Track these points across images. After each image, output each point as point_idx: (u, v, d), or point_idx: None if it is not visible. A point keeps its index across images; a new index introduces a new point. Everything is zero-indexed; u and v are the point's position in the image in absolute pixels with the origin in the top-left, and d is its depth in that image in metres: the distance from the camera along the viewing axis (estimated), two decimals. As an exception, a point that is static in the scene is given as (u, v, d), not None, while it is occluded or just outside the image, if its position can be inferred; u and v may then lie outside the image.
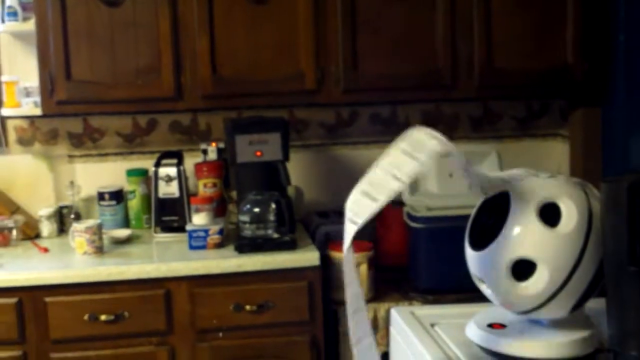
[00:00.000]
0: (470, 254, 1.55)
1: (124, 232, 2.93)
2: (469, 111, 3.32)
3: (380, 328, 2.67)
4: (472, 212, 1.60)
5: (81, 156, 3.18)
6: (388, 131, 3.28)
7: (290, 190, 2.96)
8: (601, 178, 1.40)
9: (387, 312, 2.33)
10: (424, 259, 2.67)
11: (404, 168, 1.33)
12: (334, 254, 2.78)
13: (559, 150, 3.34)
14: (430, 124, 3.26)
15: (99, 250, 2.71)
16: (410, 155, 1.34)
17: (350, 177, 3.27)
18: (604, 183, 1.38)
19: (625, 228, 1.32)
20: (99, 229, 2.72)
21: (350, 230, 1.34)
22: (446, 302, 2.42)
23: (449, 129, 3.31)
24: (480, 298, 1.60)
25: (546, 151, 3.35)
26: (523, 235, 1.45)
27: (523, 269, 1.45)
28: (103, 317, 2.56)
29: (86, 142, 3.17)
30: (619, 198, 1.33)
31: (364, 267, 2.70)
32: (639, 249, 1.31)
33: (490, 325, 1.57)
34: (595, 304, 1.50)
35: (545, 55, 2.94)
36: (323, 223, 3.03)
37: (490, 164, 2.97)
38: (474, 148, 3.24)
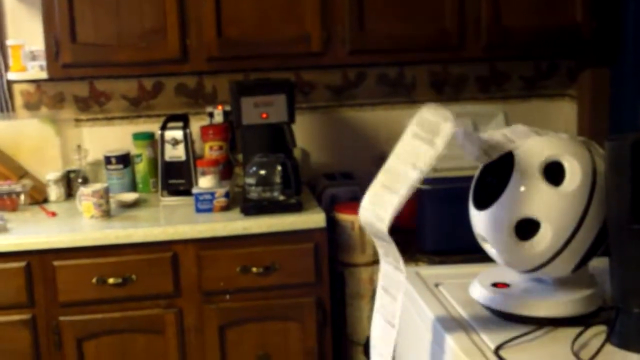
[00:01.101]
0: (474, 213, 1.55)
1: (130, 196, 2.94)
2: (476, 72, 3.29)
3: (387, 289, 2.67)
4: (477, 172, 1.59)
5: (88, 120, 3.17)
6: (395, 92, 3.26)
7: (297, 152, 2.95)
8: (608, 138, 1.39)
9: (393, 273, 2.33)
10: (430, 221, 2.67)
11: (422, 156, 1.31)
12: (340, 216, 2.78)
13: (566, 111, 3.31)
14: (437, 85, 3.30)
15: (106, 213, 2.72)
16: (425, 140, 1.31)
17: (357, 138, 3.32)
18: (608, 141, 1.36)
19: (629, 186, 1.31)
20: (105, 193, 2.72)
21: (381, 227, 1.32)
22: (452, 262, 2.42)
23: (456, 90, 3.30)
24: (487, 259, 1.59)
25: (554, 111, 3.33)
26: (527, 194, 1.44)
27: (527, 228, 1.44)
28: (111, 280, 2.58)
29: (92, 106, 3.17)
30: (623, 156, 1.32)
31: (370, 229, 2.69)
32: (642, 207, 1.31)
33: (494, 285, 1.56)
34: (599, 263, 1.50)
35: (553, 14, 2.90)
36: (329, 185, 3.03)
37: (498, 125, 2.94)
38: (481, 109, 3.22)
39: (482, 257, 1.61)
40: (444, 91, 3.29)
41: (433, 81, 3.28)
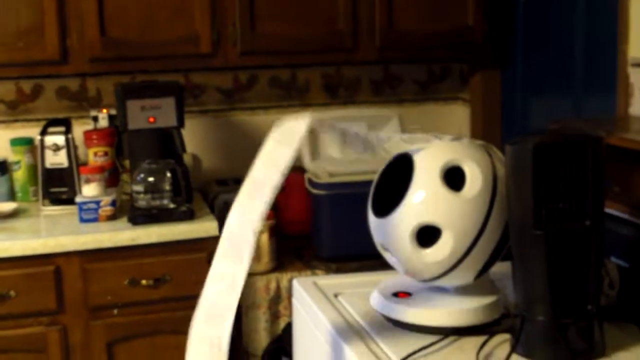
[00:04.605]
0: (373, 221, 1.49)
1: (8, 206, 2.75)
2: (370, 75, 3.27)
3: (283, 298, 2.61)
4: (375, 177, 1.53)
5: (-40, 125, 2.97)
6: (288, 95, 3.20)
7: (187, 158, 2.85)
8: (501, 141, 1.36)
9: (290, 282, 2.28)
10: (326, 227, 2.62)
11: (284, 158, 1.32)
12: (234, 224, 2.69)
13: (459, 114, 3.33)
14: (331, 88, 3.25)
15: (-19, 226, 2.54)
16: (284, 144, 1.34)
17: (249, 143, 3.21)
18: (509, 145, 1.33)
19: (531, 191, 1.28)
20: (-21, 203, 2.54)
21: (250, 240, 1.30)
22: (350, 270, 2.38)
23: (350, 93, 3.26)
24: (385, 265, 1.54)
25: (447, 115, 3.35)
26: (427, 200, 1.39)
27: (427, 236, 1.40)
28: (-13, 298, 2.41)
29: (-35, 110, 2.96)
30: (524, 161, 1.29)
31: (264, 236, 2.62)
32: (544, 212, 1.28)
33: (395, 294, 1.51)
34: (498, 268, 1.47)
35: (446, 17, 2.92)
36: (222, 191, 2.93)
37: (392, 128, 2.93)
38: (375, 112, 3.19)
39: (381, 263, 1.56)
40: (338, 94, 3.25)
41: (326, 84, 3.24)
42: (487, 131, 3.08)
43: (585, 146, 1.29)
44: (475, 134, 3.17)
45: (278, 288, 2.62)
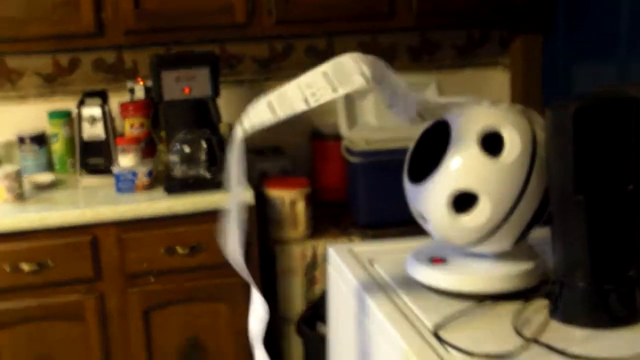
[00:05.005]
0: (409, 188, 1.46)
1: (46, 177, 2.77)
2: (407, 41, 3.22)
3: (319, 265, 2.61)
4: (412, 144, 1.50)
5: (-1, 98, 2.99)
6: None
7: (223, 128, 2.84)
8: (542, 106, 1.32)
9: (326, 249, 2.27)
10: (363, 194, 2.60)
11: (319, 94, 1.28)
12: (270, 192, 2.68)
13: (499, 80, 3.27)
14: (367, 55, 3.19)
15: (20, 197, 2.55)
16: (330, 82, 1.29)
17: None
18: (549, 109, 1.29)
19: (571, 156, 1.24)
20: (18, 175, 2.56)
21: (237, 133, 1.32)
22: (386, 237, 2.35)
23: (387, 60, 3.16)
24: (421, 232, 1.52)
25: (486, 80, 3.28)
26: (464, 166, 1.36)
27: (465, 202, 1.37)
28: (26, 267, 2.44)
29: (4, 84, 2.97)
30: (565, 125, 1.25)
31: (300, 204, 2.61)
32: (585, 177, 1.24)
33: (431, 260, 1.49)
34: (538, 233, 1.43)
35: (484, -20, 2.85)
36: (258, 160, 2.92)
37: (431, 95, 2.90)
38: (413, 79, 3.15)
39: (417, 230, 1.53)
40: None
41: (363, 52, 3.18)
42: (527, 97, 3.02)
43: (629, 109, 1.24)
44: (515, 101, 3.11)
45: (314, 255, 2.62)
